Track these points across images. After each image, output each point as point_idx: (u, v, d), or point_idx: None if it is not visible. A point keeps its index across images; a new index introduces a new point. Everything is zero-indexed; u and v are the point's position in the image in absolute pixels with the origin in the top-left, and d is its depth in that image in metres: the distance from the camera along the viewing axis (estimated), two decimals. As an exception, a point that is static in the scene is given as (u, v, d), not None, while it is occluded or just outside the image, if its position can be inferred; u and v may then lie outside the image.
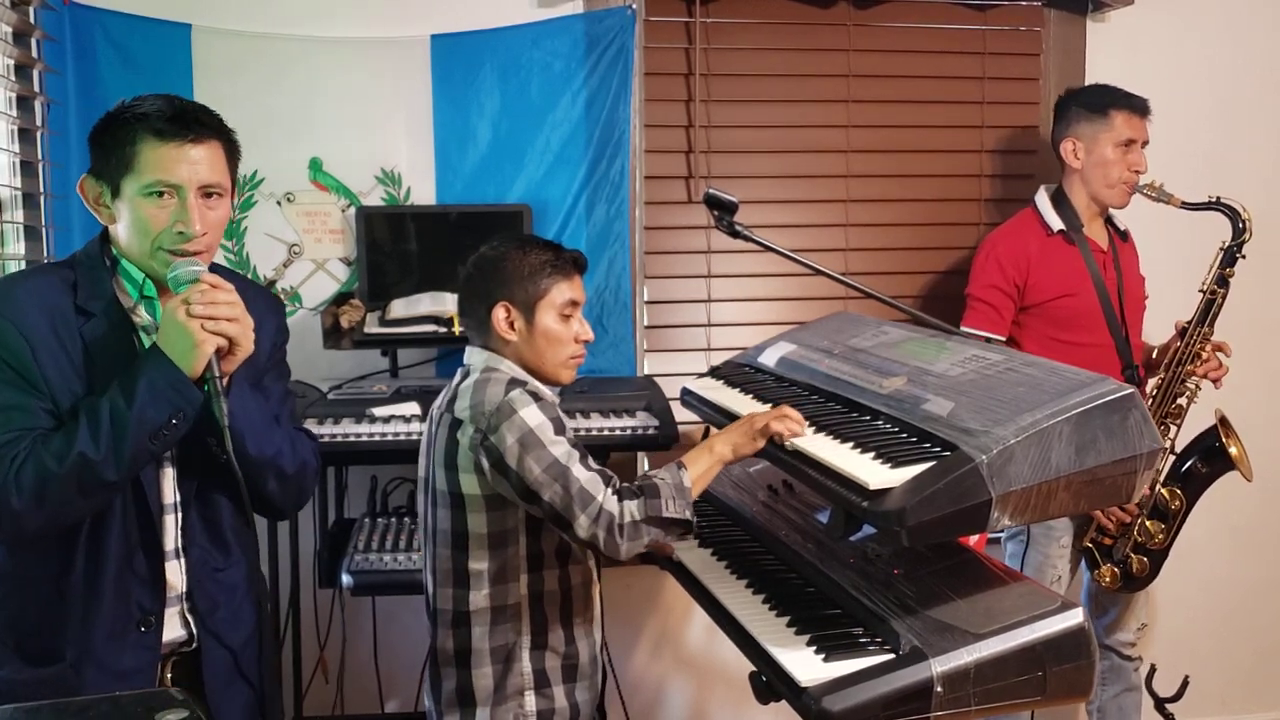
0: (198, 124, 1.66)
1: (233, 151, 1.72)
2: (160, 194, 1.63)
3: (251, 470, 1.67)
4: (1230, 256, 2.67)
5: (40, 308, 1.62)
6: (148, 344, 1.66)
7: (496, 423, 1.80)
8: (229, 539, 1.78)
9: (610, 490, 1.77)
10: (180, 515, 1.72)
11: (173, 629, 1.72)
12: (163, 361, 1.56)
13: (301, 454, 1.81)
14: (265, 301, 1.82)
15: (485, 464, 1.83)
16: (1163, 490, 2.71)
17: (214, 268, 1.71)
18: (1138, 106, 2.74)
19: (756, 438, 1.86)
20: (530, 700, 1.91)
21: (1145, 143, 2.75)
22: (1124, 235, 2.88)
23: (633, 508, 1.76)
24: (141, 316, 1.70)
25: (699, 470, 1.84)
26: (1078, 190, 2.79)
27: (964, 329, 2.70)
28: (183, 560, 1.72)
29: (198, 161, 1.64)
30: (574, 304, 1.96)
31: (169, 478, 1.70)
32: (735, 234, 2.15)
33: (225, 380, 1.60)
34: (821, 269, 2.19)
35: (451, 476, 1.87)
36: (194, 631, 1.73)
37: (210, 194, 1.66)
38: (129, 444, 1.55)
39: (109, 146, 1.65)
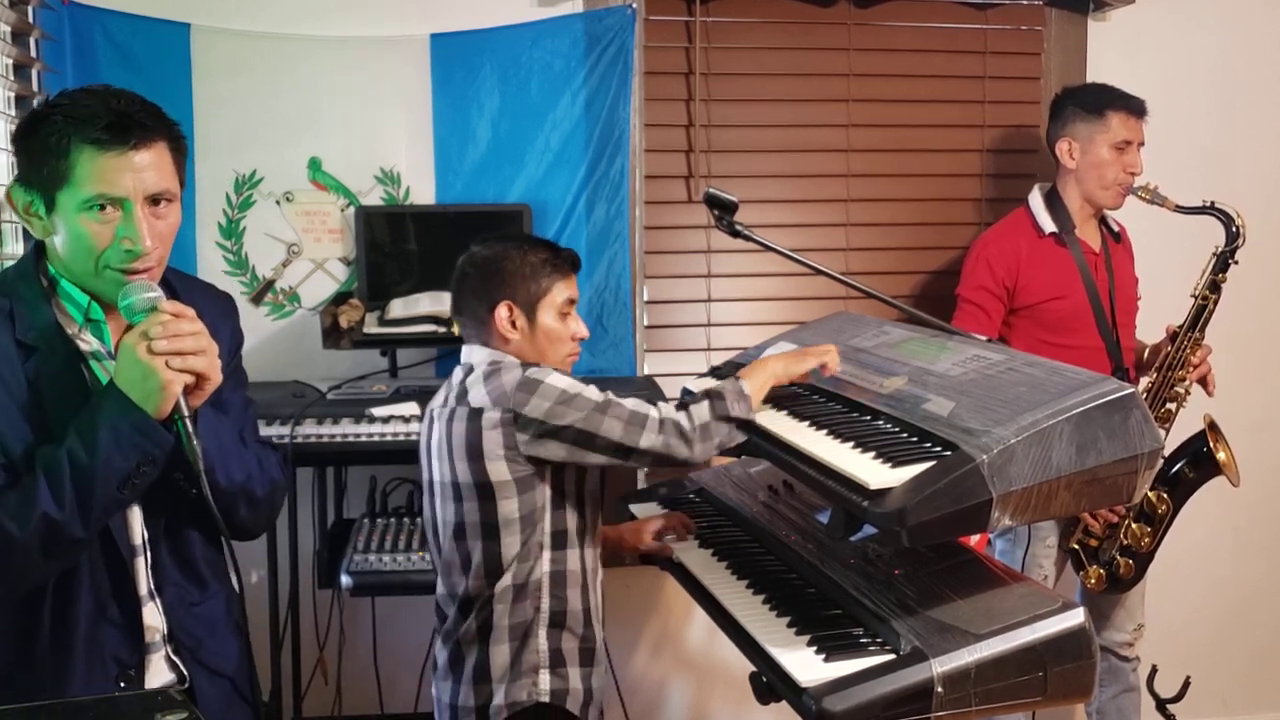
0: (140, 127, 1.47)
1: (178, 148, 1.54)
2: (102, 207, 1.45)
3: (225, 501, 1.54)
4: (1223, 261, 2.65)
5: None
6: (99, 372, 1.52)
7: (527, 395, 1.84)
8: (202, 571, 1.64)
9: (664, 405, 1.90)
10: (150, 555, 1.57)
11: (159, 675, 1.59)
12: (125, 405, 1.40)
13: (270, 473, 1.67)
14: (217, 305, 1.68)
15: (524, 438, 1.85)
16: (1149, 494, 2.70)
17: (167, 274, 1.58)
18: (1134, 108, 2.74)
19: (805, 361, 2.00)
20: (545, 678, 1.92)
21: (1141, 144, 2.75)
22: (1117, 236, 2.87)
23: (700, 410, 1.88)
24: (89, 342, 1.53)
25: (756, 384, 1.94)
26: (1071, 191, 2.78)
27: None
28: (158, 600, 1.58)
29: (143, 169, 1.46)
30: (571, 302, 2.00)
31: (136, 517, 1.55)
32: (735, 234, 2.14)
33: (192, 415, 1.45)
34: (822, 269, 2.19)
35: (476, 467, 1.88)
36: (184, 671, 1.60)
37: (158, 201, 1.49)
38: (96, 498, 1.40)
39: (38, 154, 1.46)
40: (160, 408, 1.42)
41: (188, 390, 1.44)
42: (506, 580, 1.90)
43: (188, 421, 1.44)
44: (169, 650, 1.60)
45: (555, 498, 1.92)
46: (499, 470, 1.87)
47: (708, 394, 1.90)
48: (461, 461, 1.89)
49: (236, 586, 1.64)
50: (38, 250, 1.55)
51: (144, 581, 1.57)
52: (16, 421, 1.45)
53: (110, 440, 1.40)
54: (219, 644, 1.65)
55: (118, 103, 1.48)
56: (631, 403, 1.88)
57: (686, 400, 1.92)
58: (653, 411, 1.87)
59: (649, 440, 1.85)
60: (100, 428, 1.40)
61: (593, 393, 1.87)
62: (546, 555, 1.92)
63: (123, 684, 1.54)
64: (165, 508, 1.57)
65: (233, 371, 1.69)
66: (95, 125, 1.44)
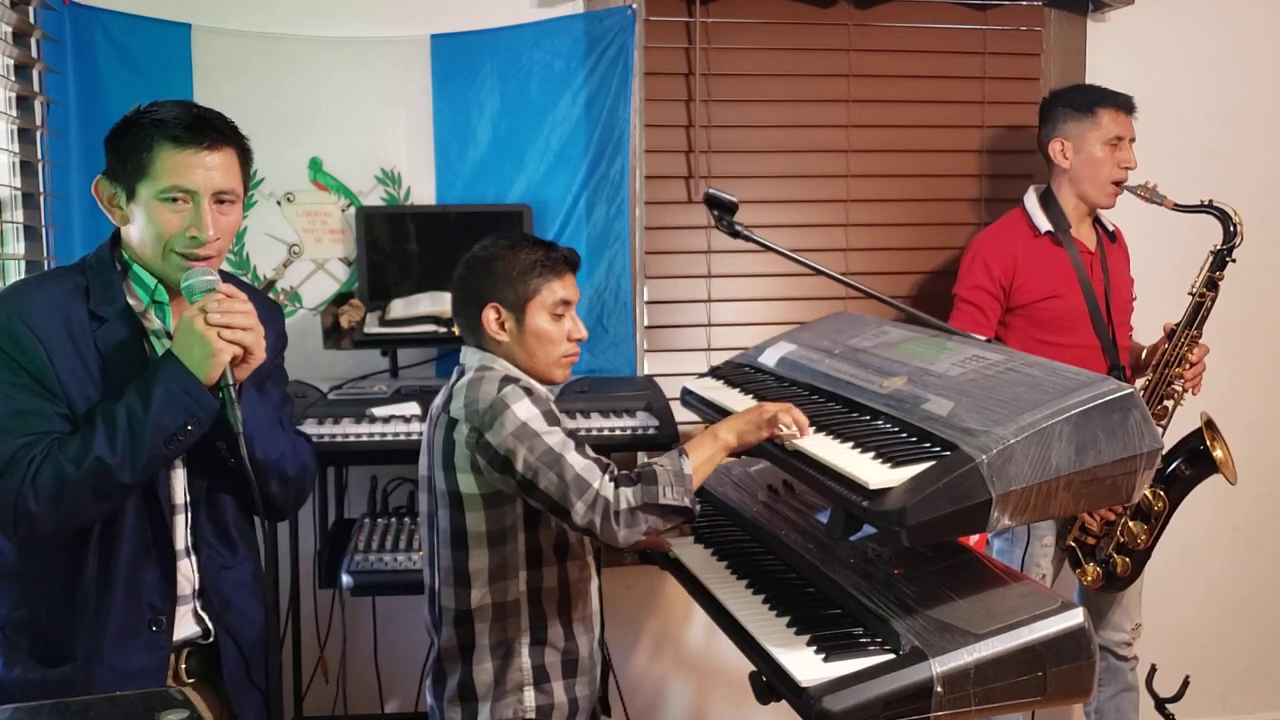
0: (215, 131, 1.69)
1: (246, 159, 1.76)
2: (175, 199, 1.66)
3: (257, 473, 1.70)
4: (1220, 260, 2.66)
5: (56, 314, 1.65)
6: (159, 349, 1.71)
7: (491, 419, 1.81)
8: (234, 538, 1.83)
9: (607, 477, 1.77)
10: (190, 515, 1.76)
11: (186, 627, 1.77)
12: (179, 368, 1.60)
13: (302, 456, 1.85)
14: (265, 309, 1.83)
15: (482, 461, 1.83)
16: (1146, 492, 2.70)
17: (222, 275, 1.73)
18: (1123, 104, 2.75)
19: (762, 428, 1.83)
20: (529, 695, 1.91)
21: (1133, 140, 2.76)
22: (1113, 236, 2.88)
23: (629, 494, 1.75)
24: (152, 321, 1.73)
25: (701, 457, 1.82)
26: (1066, 191, 2.79)
27: None
28: (193, 559, 1.76)
29: (213, 168, 1.68)
30: (566, 303, 1.96)
31: (179, 479, 1.74)
32: (735, 234, 2.14)
33: (238, 386, 1.64)
34: (821, 269, 2.19)
35: (450, 476, 1.88)
36: (209, 626, 1.78)
37: (223, 200, 1.70)
38: (145, 448, 1.58)
39: (125, 150, 1.68)
40: (210, 374, 1.61)
41: (235, 362, 1.64)
42: (482, 598, 1.90)
43: (232, 389, 1.63)
44: (198, 605, 1.78)
45: (528, 516, 1.89)
46: (468, 483, 1.87)
47: (640, 475, 1.77)
48: (438, 468, 1.90)
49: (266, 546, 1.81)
50: (113, 240, 1.75)
51: (182, 538, 1.75)
52: (83, 381, 1.65)
53: (163, 398, 1.59)
54: (243, 607, 1.83)
55: (198, 110, 1.72)
56: (582, 465, 1.77)
57: (628, 475, 1.79)
58: (595, 482, 1.75)
59: (579, 513, 1.75)
60: (156, 386, 1.59)
61: (552, 437, 1.79)
62: (523, 575, 1.91)
63: (154, 628, 1.72)
64: (207, 473, 1.75)
65: (275, 369, 1.88)
66: (177, 126, 1.67)
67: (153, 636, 1.71)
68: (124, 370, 1.65)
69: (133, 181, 1.67)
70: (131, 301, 1.72)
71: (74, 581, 1.68)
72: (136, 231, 1.69)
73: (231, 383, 1.63)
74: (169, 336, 1.71)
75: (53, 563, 1.68)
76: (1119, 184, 2.73)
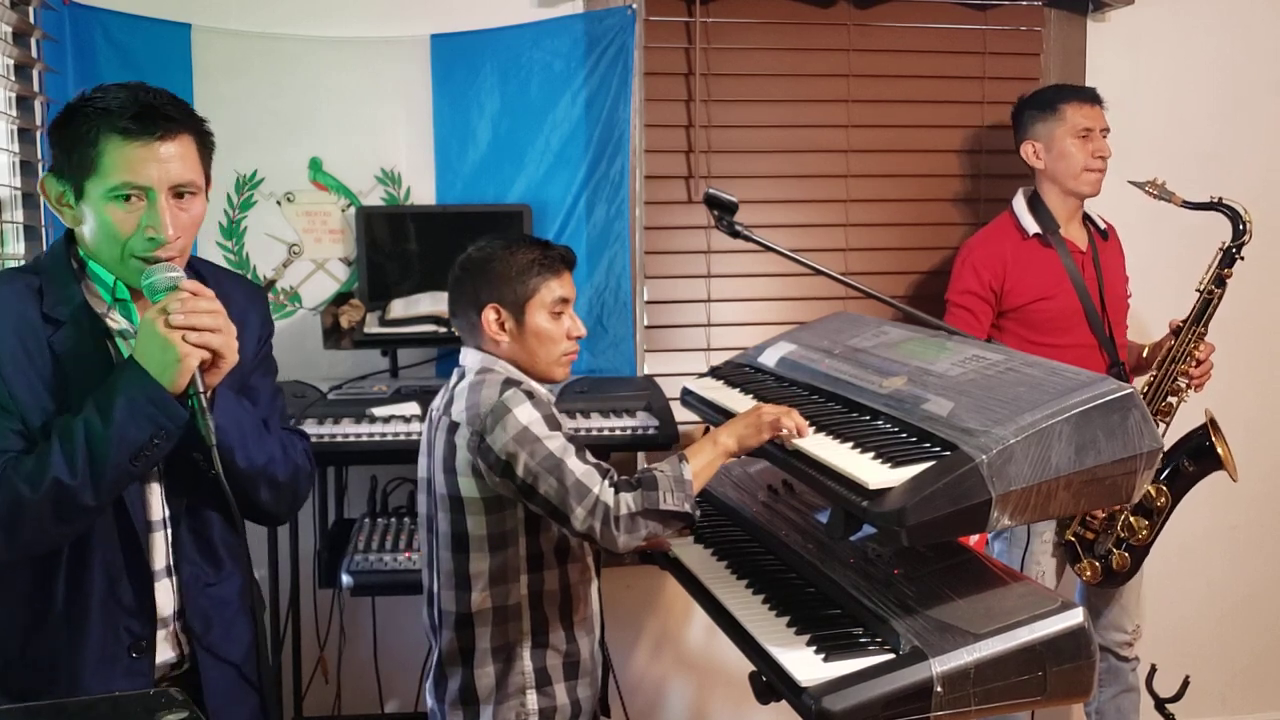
0: (166, 119, 1.51)
1: (205, 142, 1.58)
2: (127, 197, 1.49)
3: (242, 483, 1.58)
4: (1229, 257, 2.67)
5: (6, 320, 1.50)
6: (125, 350, 1.56)
7: (492, 423, 1.81)
8: (220, 553, 1.68)
9: (607, 482, 1.76)
10: (170, 531, 1.61)
11: (163, 651, 1.63)
12: (142, 377, 1.44)
13: (294, 458, 1.70)
14: (246, 293, 1.71)
15: (483, 466, 1.83)
16: (1148, 487, 2.70)
17: (192, 261, 1.62)
18: (1087, 96, 2.77)
19: (762, 430, 1.82)
20: (532, 698, 1.91)
21: (1105, 130, 2.76)
22: (1105, 234, 2.88)
23: (629, 500, 1.74)
24: (117, 321, 1.58)
25: (701, 462, 1.82)
26: (1049, 190, 2.80)
27: None
28: (174, 579, 1.62)
29: (168, 160, 1.50)
30: (564, 301, 1.96)
31: (156, 494, 1.60)
32: (735, 234, 2.15)
33: (209, 393, 1.49)
34: (821, 269, 2.19)
35: (450, 480, 1.88)
36: (185, 652, 1.65)
37: (182, 193, 1.53)
38: (108, 467, 1.44)
39: (69, 144, 1.51)
40: (176, 381, 1.45)
41: (204, 368, 1.47)
42: (483, 601, 1.89)
43: (202, 397, 1.47)
44: (176, 628, 1.63)
45: (529, 520, 1.89)
46: (469, 487, 1.87)
47: (641, 480, 1.76)
48: (439, 471, 1.90)
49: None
50: (68, 236, 1.59)
51: (161, 557, 1.61)
52: (38, 391, 1.50)
53: (125, 410, 1.43)
54: (228, 626, 1.68)
55: (146, 95, 1.52)
56: (582, 470, 1.76)
57: (628, 480, 1.78)
58: (595, 488, 1.74)
59: (579, 519, 1.74)
60: (116, 397, 1.44)
61: (553, 443, 1.78)
62: (524, 578, 1.90)
63: (134, 654, 1.58)
64: (187, 487, 1.60)
65: (262, 360, 1.73)
66: (123, 116, 1.48)
67: (133, 663, 1.58)
68: (84, 376, 1.50)
69: (79, 178, 1.50)
70: (92, 301, 1.56)
71: (45, 608, 1.54)
72: (89, 232, 1.52)
73: (201, 390, 1.46)
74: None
75: (18, 588, 1.54)
76: (1096, 173, 2.74)
